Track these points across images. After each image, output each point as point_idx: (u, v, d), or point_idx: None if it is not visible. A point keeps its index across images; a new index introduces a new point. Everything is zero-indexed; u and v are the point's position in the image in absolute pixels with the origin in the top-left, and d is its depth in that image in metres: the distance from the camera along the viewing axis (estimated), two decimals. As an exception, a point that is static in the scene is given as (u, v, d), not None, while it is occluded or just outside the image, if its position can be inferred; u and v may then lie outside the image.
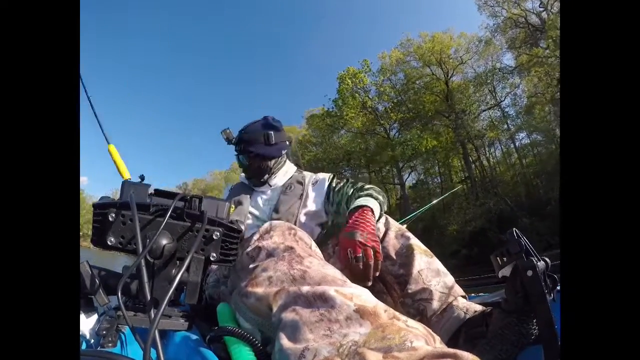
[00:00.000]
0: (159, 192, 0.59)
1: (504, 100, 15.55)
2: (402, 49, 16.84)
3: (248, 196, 1.08)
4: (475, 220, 13.32)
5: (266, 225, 0.69)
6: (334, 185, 1.11)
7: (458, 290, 0.77)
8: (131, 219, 0.55)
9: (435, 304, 0.73)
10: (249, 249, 0.63)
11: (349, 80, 16.55)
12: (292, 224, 0.72)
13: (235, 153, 1.16)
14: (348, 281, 0.51)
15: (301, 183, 1.14)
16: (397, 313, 0.44)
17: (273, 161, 1.12)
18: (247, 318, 0.53)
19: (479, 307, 0.72)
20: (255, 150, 1.11)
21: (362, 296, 0.46)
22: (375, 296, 0.48)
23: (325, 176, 1.17)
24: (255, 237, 0.66)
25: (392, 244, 0.83)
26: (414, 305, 0.75)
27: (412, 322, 0.43)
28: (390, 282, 0.79)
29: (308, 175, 1.19)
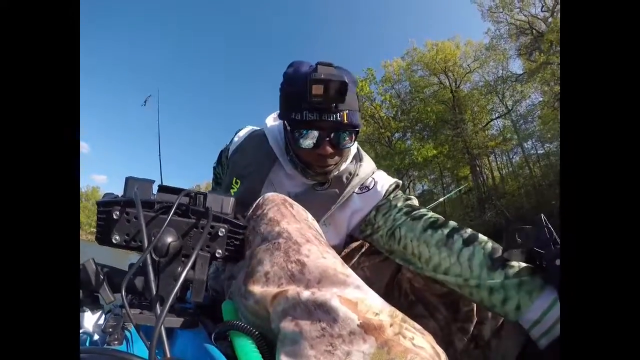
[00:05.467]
0: (163, 188, 0.59)
1: (512, 108, 15.38)
2: (408, 58, 17.02)
3: (262, 179, 0.79)
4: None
5: (259, 199, 0.62)
6: (391, 199, 0.79)
7: None
8: (136, 216, 0.54)
9: (490, 324, 0.61)
10: (247, 229, 0.59)
11: (350, 89, 16.55)
12: (287, 197, 0.61)
13: (312, 126, 0.69)
14: (350, 274, 0.47)
15: (346, 179, 0.79)
16: (404, 324, 0.42)
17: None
18: (247, 321, 0.51)
19: None
20: (358, 122, 0.71)
21: (367, 300, 0.43)
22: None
23: (385, 184, 0.80)
24: (249, 213, 0.61)
25: None
26: (467, 327, 0.61)
27: (419, 340, 0.40)
28: (435, 303, 0.65)
29: (362, 172, 0.81)
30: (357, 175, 0.78)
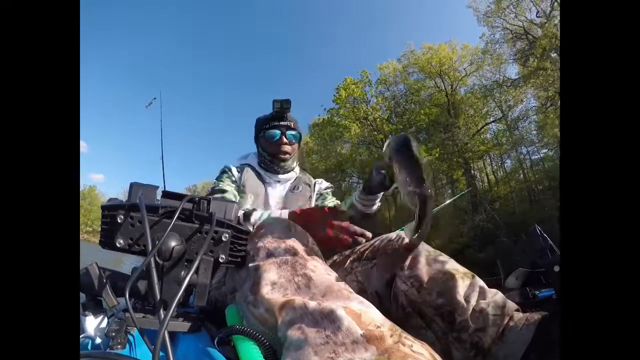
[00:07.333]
0: (167, 194, 0.59)
1: (506, 114, 15.44)
2: (405, 60, 17.10)
3: (263, 187, 1.15)
4: (461, 237, 13.08)
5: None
6: (327, 191, 1.28)
7: (511, 305, 0.64)
8: (140, 220, 0.55)
9: (491, 331, 0.62)
10: (249, 246, 0.63)
11: (343, 91, 16.59)
12: (289, 221, 0.72)
13: (274, 128, 1.17)
14: (353, 291, 0.52)
15: (309, 185, 1.21)
16: (403, 334, 0.44)
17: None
18: (253, 328, 0.52)
19: (537, 316, 0.59)
20: (299, 131, 1.21)
21: (370, 313, 0.46)
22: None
23: (327, 186, 1.30)
24: (253, 231, 0.66)
25: (425, 271, 0.72)
26: (468, 338, 0.63)
27: (417, 347, 0.42)
28: (430, 315, 0.68)
29: (312, 178, 1.28)
30: (311, 179, 1.29)
